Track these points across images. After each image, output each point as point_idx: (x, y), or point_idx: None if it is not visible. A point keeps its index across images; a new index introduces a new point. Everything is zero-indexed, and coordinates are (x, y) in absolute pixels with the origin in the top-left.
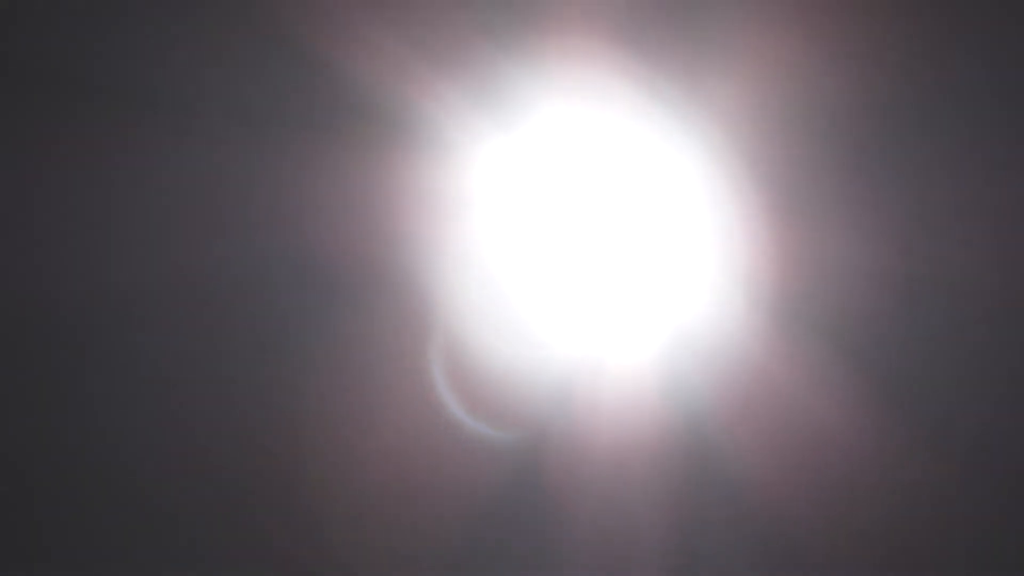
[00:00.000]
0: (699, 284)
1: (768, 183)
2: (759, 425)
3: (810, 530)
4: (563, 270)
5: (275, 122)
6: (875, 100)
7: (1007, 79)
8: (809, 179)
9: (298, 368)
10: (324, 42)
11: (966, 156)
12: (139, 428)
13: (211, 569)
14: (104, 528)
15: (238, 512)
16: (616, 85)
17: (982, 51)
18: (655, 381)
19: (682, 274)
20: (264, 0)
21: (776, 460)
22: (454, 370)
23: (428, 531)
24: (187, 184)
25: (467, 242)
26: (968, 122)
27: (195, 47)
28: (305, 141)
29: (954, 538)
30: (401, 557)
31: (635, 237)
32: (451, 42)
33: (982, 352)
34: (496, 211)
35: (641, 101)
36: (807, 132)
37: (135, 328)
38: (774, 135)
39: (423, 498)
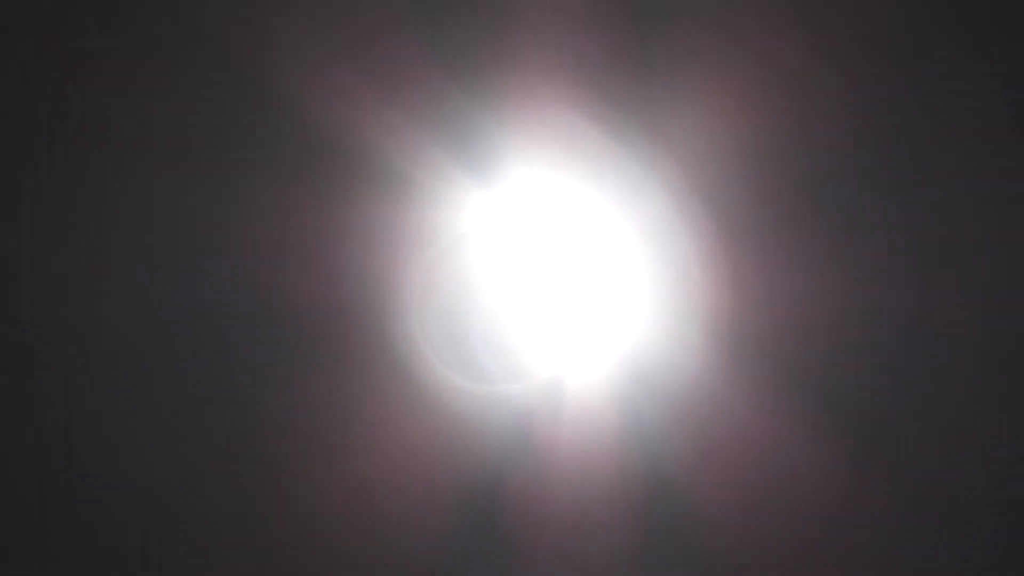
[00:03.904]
0: (658, 319)
1: (728, 218)
2: (718, 459)
3: (767, 560)
4: (522, 305)
5: (235, 162)
6: (837, 134)
7: (970, 113)
8: (770, 214)
9: (258, 414)
10: (285, 80)
11: (929, 191)
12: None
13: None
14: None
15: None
16: (576, 124)
17: (944, 84)
18: (613, 416)
19: (641, 309)
20: (224, 38)
21: (735, 492)
22: (418, 404)
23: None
24: (144, 222)
25: (428, 280)
26: (933, 156)
27: (158, 84)
28: (264, 181)
29: (913, 567)
30: None
31: (594, 272)
32: (412, 80)
33: (944, 386)
34: (459, 249)
35: (600, 138)
36: (767, 167)
37: (93, 365)
38: (734, 171)
39: (376, 541)
